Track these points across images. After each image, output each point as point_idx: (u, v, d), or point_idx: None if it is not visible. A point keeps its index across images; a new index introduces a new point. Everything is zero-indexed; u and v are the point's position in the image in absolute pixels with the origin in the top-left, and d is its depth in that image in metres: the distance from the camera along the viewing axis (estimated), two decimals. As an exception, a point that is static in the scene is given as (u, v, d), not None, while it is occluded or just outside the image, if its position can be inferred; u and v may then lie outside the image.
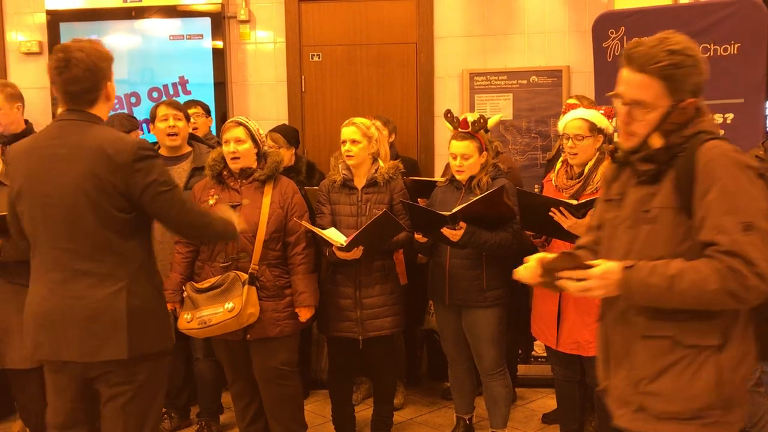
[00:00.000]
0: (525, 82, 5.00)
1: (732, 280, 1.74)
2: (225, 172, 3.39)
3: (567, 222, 3.09)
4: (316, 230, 3.37)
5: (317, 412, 4.18)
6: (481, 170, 3.47)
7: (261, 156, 3.40)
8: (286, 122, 5.04)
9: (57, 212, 2.39)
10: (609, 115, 3.29)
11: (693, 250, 1.82)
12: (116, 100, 4.76)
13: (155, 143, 3.92)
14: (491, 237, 3.33)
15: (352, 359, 3.67)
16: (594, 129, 3.25)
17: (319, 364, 4.58)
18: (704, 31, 3.84)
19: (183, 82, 5.30)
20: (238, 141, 3.32)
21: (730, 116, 3.82)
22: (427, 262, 3.81)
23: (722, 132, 1.86)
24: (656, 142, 1.92)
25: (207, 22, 5.25)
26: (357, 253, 3.37)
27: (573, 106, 3.40)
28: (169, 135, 3.81)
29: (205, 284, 3.28)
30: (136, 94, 5.35)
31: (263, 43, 5.32)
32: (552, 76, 4.97)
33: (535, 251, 3.66)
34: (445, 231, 3.28)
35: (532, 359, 4.61)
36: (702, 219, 1.80)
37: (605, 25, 4.16)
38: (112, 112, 4.07)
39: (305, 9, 5.27)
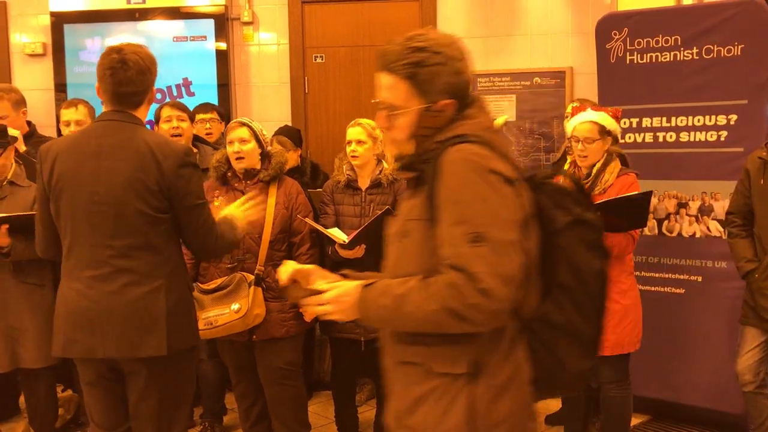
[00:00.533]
0: (528, 83, 5.00)
1: (452, 298, 1.50)
2: (229, 174, 3.40)
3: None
4: (320, 227, 3.37)
5: (320, 413, 4.18)
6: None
7: (265, 156, 3.41)
8: (289, 124, 5.04)
9: (103, 209, 2.42)
10: (616, 117, 3.31)
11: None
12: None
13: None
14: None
15: (354, 360, 3.67)
16: (603, 131, 3.25)
17: (322, 365, 4.58)
18: (708, 32, 3.85)
19: (186, 83, 5.31)
20: (242, 141, 3.32)
21: (733, 117, 3.82)
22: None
23: (486, 135, 1.65)
24: (411, 148, 1.73)
25: (210, 23, 5.26)
26: (359, 251, 3.37)
27: (578, 109, 3.40)
28: (172, 136, 3.82)
29: (212, 285, 3.29)
30: (139, 96, 5.35)
31: (266, 44, 5.33)
32: (555, 77, 4.97)
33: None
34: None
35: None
36: (438, 230, 1.59)
37: (608, 26, 4.16)
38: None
39: (308, 11, 5.28)
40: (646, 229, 3.85)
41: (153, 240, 2.46)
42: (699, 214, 3.94)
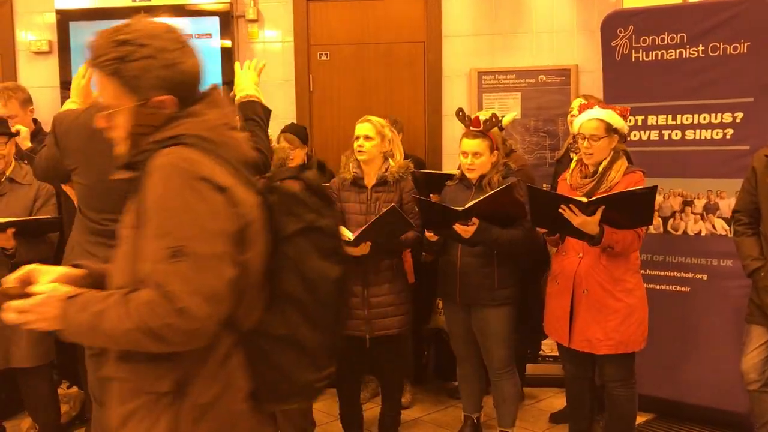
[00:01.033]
0: (533, 81, 4.99)
1: (148, 318, 1.41)
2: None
3: (576, 219, 3.09)
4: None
5: (325, 410, 4.18)
6: (492, 169, 3.47)
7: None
8: (294, 121, 5.04)
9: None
10: (624, 115, 3.30)
11: None
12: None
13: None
14: (503, 234, 3.34)
15: (359, 358, 3.67)
16: (610, 129, 3.24)
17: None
18: (714, 29, 3.84)
19: (191, 81, 5.31)
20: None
21: (739, 115, 3.82)
22: (433, 261, 3.81)
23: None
24: (127, 147, 1.60)
25: (215, 21, 5.25)
26: (365, 248, 3.37)
27: (586, 106, 3.39)
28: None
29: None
30: (144, 93, 5.36)
31: (271, 42, 5.33)
32: (560, 75, 4.96)
33: (545, 249, 3.68)
34: (458, 227, 3.30)
35: (541, 358, 4.60)
36: (142, 241, 1.48)
37: (614, 24, 4.15)
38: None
39: (313, 8, 5.28)
40: (651, 227, 3.84)
41: None
42: (704, 212, 3.93)
